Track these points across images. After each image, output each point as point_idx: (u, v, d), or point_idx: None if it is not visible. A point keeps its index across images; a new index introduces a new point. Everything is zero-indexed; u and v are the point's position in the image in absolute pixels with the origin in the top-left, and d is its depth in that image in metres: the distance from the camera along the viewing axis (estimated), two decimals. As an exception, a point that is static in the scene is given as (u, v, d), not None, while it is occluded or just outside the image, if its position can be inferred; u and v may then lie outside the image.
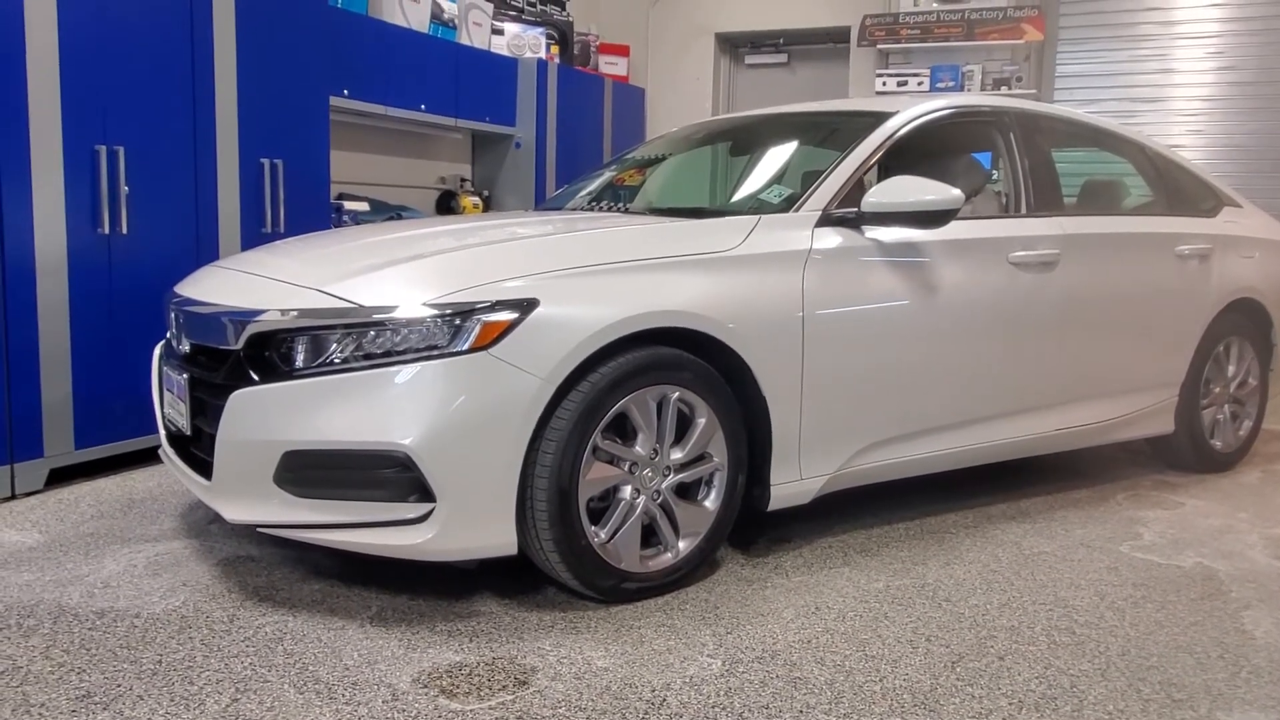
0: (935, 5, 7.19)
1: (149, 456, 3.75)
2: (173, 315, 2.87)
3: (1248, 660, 2.37)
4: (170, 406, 2.86)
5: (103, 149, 3.48)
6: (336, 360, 2.37)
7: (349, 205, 5.12)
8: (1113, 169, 4.26)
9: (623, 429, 2.56)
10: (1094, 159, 4.44)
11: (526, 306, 2.37)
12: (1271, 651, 2.42)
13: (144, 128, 3.63)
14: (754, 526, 3.21)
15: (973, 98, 3.83)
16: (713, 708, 2.06)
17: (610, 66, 7.70)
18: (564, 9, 7.34)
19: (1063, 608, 2.65)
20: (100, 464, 3.67)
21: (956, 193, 2.89)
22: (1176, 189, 4.14)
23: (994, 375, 3.29)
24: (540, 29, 6.66)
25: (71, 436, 3.49)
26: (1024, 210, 3.52)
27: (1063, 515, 3.48)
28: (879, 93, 7.16)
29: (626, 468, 2.55)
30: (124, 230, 3.57)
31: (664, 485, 2.61)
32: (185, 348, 2.77)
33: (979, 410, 3.28)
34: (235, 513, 2.47)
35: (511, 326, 2.35)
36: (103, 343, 3.56)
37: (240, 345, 2.48)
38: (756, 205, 3.15)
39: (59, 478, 3.51)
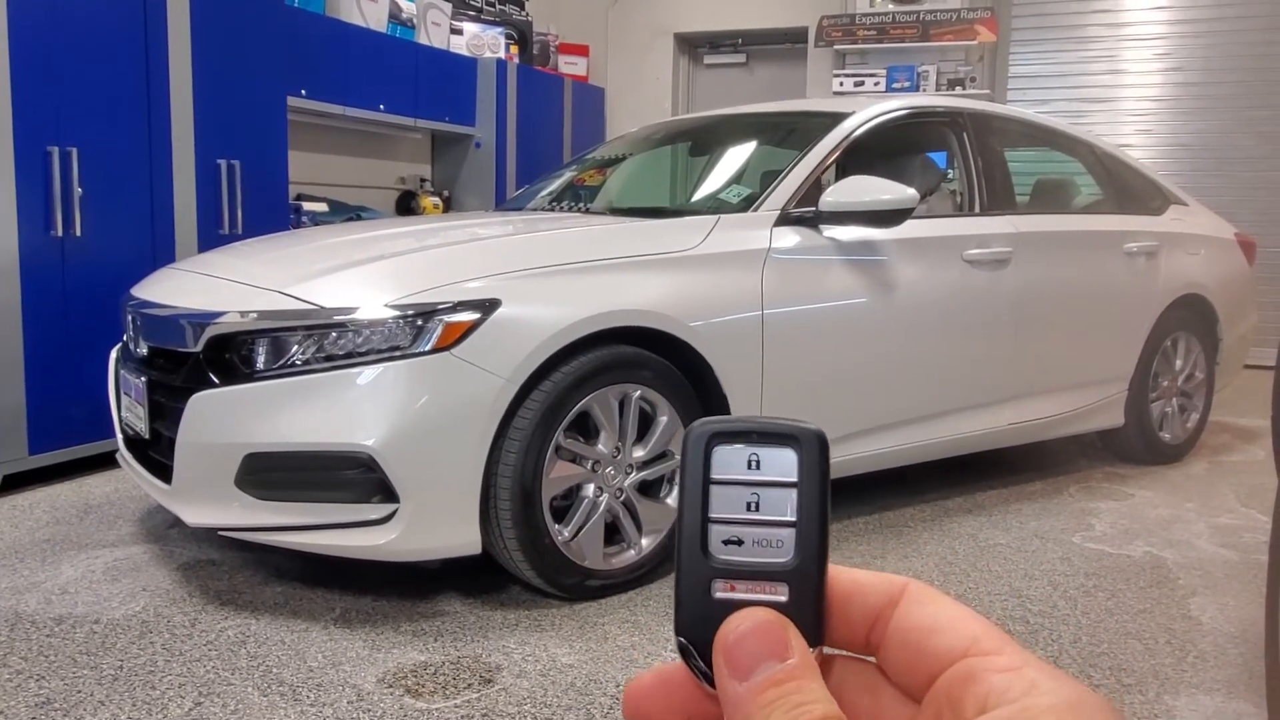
0: (891, 6, 7.29)
1: (106, 461, 3.70)
2: (130, 318, 2.84)
3: (1194, 645, 2.44)
4: (128, 410, 2.83)
5: (55, 150, 3.43)
6: (298, 362, 2.36)
7: (308, 206, 5.09)
8: (1063, 168, 4.35)
9: (585, 428, 2.58)
10: (1045, 158, 4.53)
11: (488, 307, 2.38)
12: (1217, 637, 2.49)
13: (98, 128, 3.59)
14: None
15: (927, 98, 3.90)
16: (676, 701, 2.09)
17: (570, 66, 7.71)
18: (523, 9, 7.34)
19: (1017, 597, 2.71)
20: (56, 469, 3.62)
21: (912, 192, 2.95)
22: (1125, 188, 4.24)
23: (949, 371, 3.35)
24: (499, 29, 6.66)
25: (25, 442, 3.44)
26: (978, 209, 3.59)
27: (1017, 508, 3.55)
28: (836, 93, 7.24)
29: (589, 466, 2.57)
30: (78, 232, 3.53)
31: (627, 483, 2.64)
32: (143, 351, 2.74)
33: (935, 406, 3.34)
34: (196, 516, 2.46)
35: (474, 327, 2.36)
36: (57, 347, 3.51)
37: (200, 347, 2.46)
38: (716, 205, 3.18)
39: (13, 484, 3.46)
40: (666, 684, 0.34)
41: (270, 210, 4.37)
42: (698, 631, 0.33)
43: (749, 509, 0.34)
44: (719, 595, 0.34)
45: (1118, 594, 2.75)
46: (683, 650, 0.34)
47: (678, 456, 2.71)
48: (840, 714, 0.30)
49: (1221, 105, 6.84)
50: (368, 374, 2.31)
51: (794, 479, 0.34)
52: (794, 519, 0.34)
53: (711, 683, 0.33)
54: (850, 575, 0.35)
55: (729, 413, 2.78)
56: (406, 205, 6.22)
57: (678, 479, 0.35)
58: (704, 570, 0.34)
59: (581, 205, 3.72)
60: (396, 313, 2.34)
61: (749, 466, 0.34)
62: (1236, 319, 4.45)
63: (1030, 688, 0.29)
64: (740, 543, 0.34)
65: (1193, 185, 6.22)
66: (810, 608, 0.33)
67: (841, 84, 7.29)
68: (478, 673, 2.20)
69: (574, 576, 2.55)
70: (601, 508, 2.59)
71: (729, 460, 0.35)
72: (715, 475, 0.34)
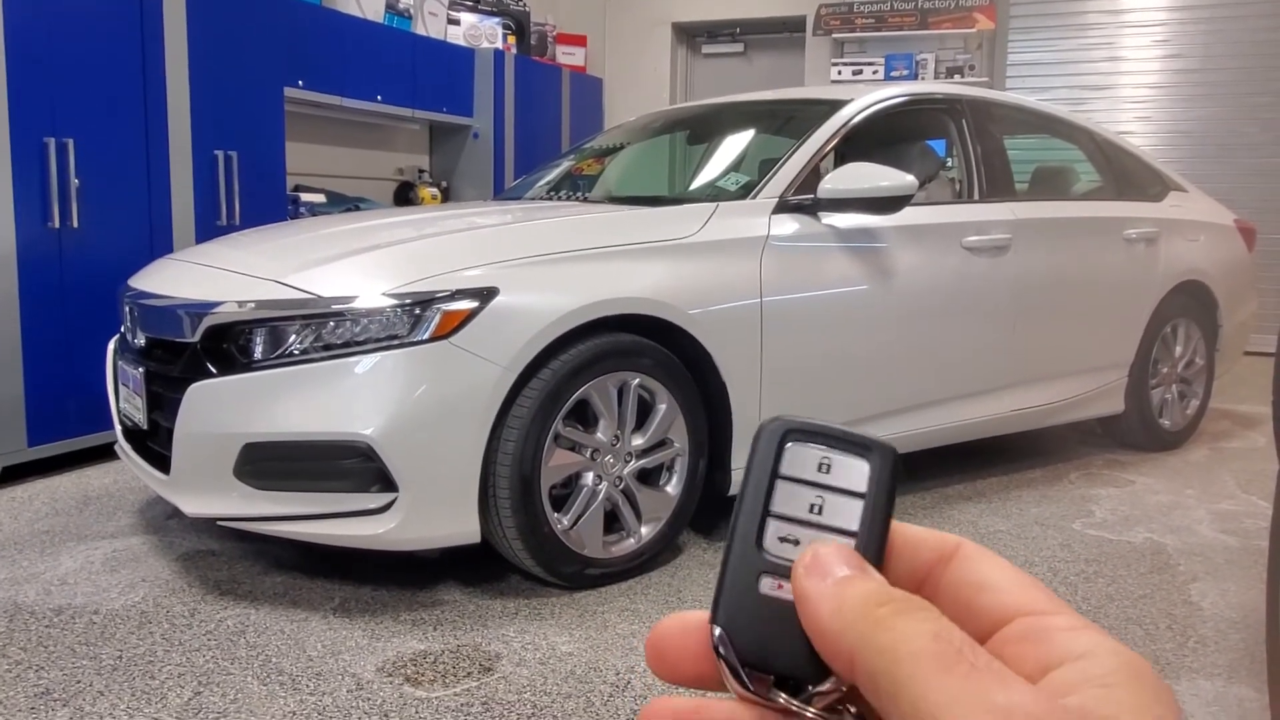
0: (889, -6, 7.26)
1: (105, 453, 3.70)
2: (127, 309, 2.84)
3: (1195, 630, 2.44)
4: (126, 401, 2.83)
5: (51, 141, 3.42)
6: (296, 351, 2.36)
7: (305, 197, 5.08)
8: (1063, 155, 4.34)
9: (584, 416, 2.57)
10: (1045, 145, 4.52)
11: (486, 295, 2.38)
12: (1217, 622, 2.49)
13: (94, 120, 3.57)
14: (716, 511, 3.23)
15: (926, 86, 3.88)
16: (676, 690, 2.08)
17: (568, 57, 7.69)
18: (520, -1, 7.31)
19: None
20: (54, 461, 3.62)
21: (911, 179, 2.93)
22: (1124, 174, 4.23)
23: (949, 358, 3.35)
24: (497, 19, 6.64)
25: (24, 434, 3.43)
26: (977, 196, 3.57)
27: (1017, 495, 3.55)
28: (834, 81, 7.22)
29: (588, 454, 2.57)
30: (75, 224, 3.52)
31: (626, 471, 2.63)
32: (141, 341, 2.74)
33: (935, 393, 3.33)
34: (195, 507, 2.46)
35: (471, 315, 2.35)
36: (55, 338, 3.51)
37: (197, 338, 2.46)
38: (714, 193, 3.17)
39: (12, 476, 3.46)
40: (686, 630, 0.33)
41: (268, 201, 4.36)
42: (737, 623, 0.32)
43: (811, 510, 0.33)
44: (765, 591, 0.32)
45: (1118, 580, 2.75)
46: (717, 641, 0.32)
47: (676, 444, 2.72)
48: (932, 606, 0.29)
49: (1221, 92, 6.82)
50: (365, 363, 2.31)
51: (863, 490, 0.33)
52: (855, 530, 0.33)
53: (741, 679, 0.32)
54: (903, 530, 0.34)
55: (728, 401, 2.78)
56: (405, 196, 6.20)
57: (744, 468, 0.34)
58: (755, 563, 0.33)
59: (580, 194, 3.71)
60: (394, 301, 2.33)
61: (819, 469, 0.34)
62: (1236, 305, 4.44)
63: (1094, 647, 0.28)
64: (796, 543, 0.33)
65: (1192, 172, 6.20)
66: None
67: (840, 73, 7.27)
68: (477, 661, 2.20)
69: (573, 565, 2.55)
70: (601, 496, 2.58)
71: (800, 459, 0.34)
72: (784, 471, 0.34)
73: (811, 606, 0.30)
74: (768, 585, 0.32)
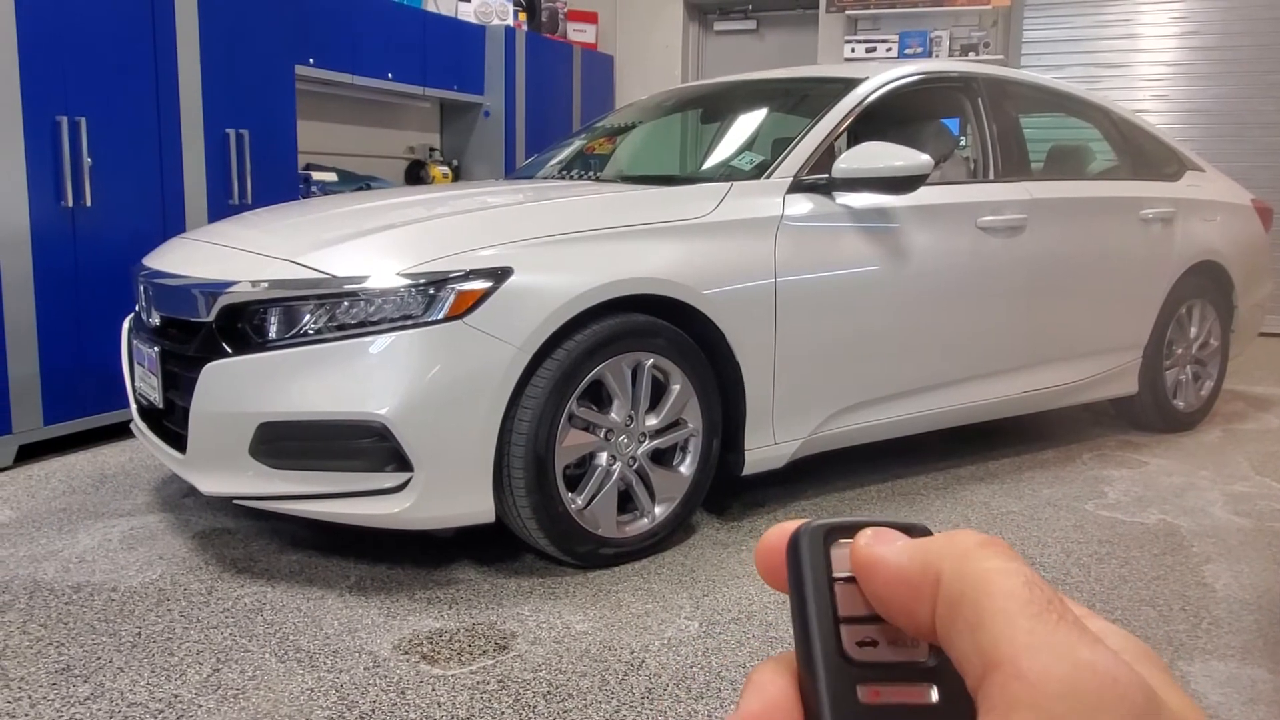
0: (903, -29, 7.18)
1: (120, 431, 3.72)
2: (142, 288, 2.84)
3: (1208, 612, 2.44)
4: (141, 380, 2.84)
5: (64, 120, 3.42)
6: (310, 331, 2.36)
7: (317, 176, 5.07)
8: (1079, 134, 4.30)
9: (598, 396, 2.58)
10: (1060, 124, 4.47)
11: (500, 275, 2.37)
12: (1231, 603, 2.49)
13: (106, 98, 3.57)
14: (729, 491, 3.24)
15: (941, 63, 3.84)
16: (690, 668, 2.10)
17: (579, 34, 7.64)
18: (531, -25, 7.26)
19: (1030, 565, 2.70)
20: (70, 440, 3.64)
21: (926, 158, 2.91)
22: (1141, 153, 4.19)
23: (963, 339, 3.34)
24: (507, -4, 6.59)
25: (40, 412, 3.45)
26: (992, 175, 3.55)
27: (1030, 476, 3.54)
28: (848, 59, 7.16)
29: (602, 434, 2.57)
30: (88, 203, 3.52)
31: (640, 451, 2.64)
32: (155, 321, 2.75)
33: (948, 374, 3.32)
34: (211, 485, 2.47)
35: (486, 295, 2.35)
36: (69, 317, 3.52)
37: (212, 317, 2.46)
38: (728, 172, 3.15)
39: (28, 454, 3.48)
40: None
41: (280, 180, 4.35)
42: None
43: None
44: (865, 701, 0.30)
45: (1131, 561, 2.75)
46: None
47: (690, 425, 2.72)
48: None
49: (1240, 69, 6.74)
50: (380, 343, 2.31)
51: None
52: None
53: None
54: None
55: (742, 381, 2.77)
56: (415, 175, 6.19)
57: (789, 579, 0.32)
58: (849, 675, 0.31)
59: (592, 174, 3.69)
60: (408, 281, 2.33)
61: None
62: (1252, 286, 4.41)
63: (1105, 630, 0.29)
64: (875, 644, 0.31)
65: (1209, 151, 6.14)
66: (966, 707, 0.29)
67: (853, 50, 7.21)
68: (493, 640, 2.21)
69: (587, 544, 2.56)
70: (614, 476, 2.59)
71: (849, 558, 0.32)
72: (839, 573, 0.32)
73: (889, 560, 0.30)
74: (864, 694, 0.30)
